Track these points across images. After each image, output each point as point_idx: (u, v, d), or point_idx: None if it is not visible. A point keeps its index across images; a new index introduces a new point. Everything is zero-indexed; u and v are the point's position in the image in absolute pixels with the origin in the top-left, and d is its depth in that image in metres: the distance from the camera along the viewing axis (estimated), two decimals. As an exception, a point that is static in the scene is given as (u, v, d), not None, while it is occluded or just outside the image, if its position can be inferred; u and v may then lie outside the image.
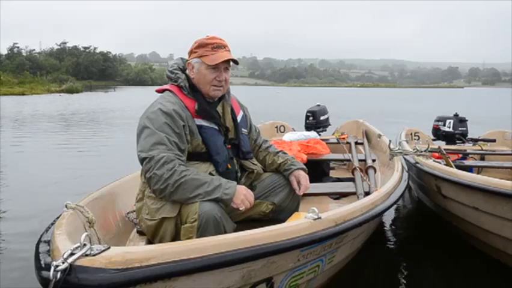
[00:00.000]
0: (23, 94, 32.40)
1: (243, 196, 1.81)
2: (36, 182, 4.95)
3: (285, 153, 2.33)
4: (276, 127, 5.25)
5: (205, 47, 1.98)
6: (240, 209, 1.82)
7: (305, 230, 1.42)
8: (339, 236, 1.62)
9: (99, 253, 1.10)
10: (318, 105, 5.19)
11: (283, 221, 1.83)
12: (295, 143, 3.93)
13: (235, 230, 1.74)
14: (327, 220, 1.53)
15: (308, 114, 5.05)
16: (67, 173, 5.41)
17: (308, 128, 4.97)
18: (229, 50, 2.02)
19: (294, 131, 4.93)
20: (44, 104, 21.87)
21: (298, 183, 2.17)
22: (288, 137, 4.28)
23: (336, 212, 1.64)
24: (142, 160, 1.81)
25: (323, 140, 4.24)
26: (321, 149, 3.87)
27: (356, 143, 4.23)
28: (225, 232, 1.71)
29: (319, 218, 1.49)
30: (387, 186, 2.29)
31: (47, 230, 1.54)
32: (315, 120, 4.99)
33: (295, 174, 2.18)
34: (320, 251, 1.63)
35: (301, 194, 2.19)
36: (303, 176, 2.19)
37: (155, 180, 1.76)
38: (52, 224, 1.59)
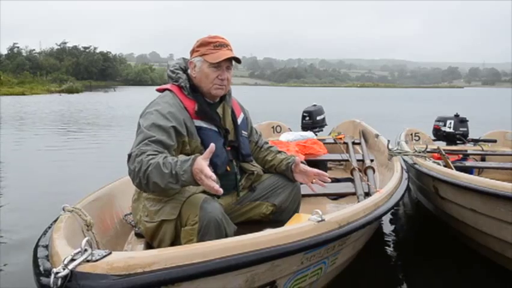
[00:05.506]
0: (23, 94, 32.39)
1: (200, 178, 1.61)
2: (35, 181, 4.93)
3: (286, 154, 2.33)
4: (273, 127, 5.25)
5: (208, 45, 1.97)
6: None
7: (309, 233, 1.40)
8: (342, 238, 1.60)
9: (100, 258, 1.07)
10: (315, 105, 5.19)
11: (283, 222, 1.82)
12: (293, 143, 3.93)
13: (236, 232, 1.73)
14: (331, 222, 1.51)
15: (305, 114, 5.06)
16: (67, 172, 5.40)
17: (305, 128, 4.98)
18: (231, 49, 2.00)
19: (291, 131, 4.93)
20: (44, 103, 21.84)
21: (306, 173, 2.17)
22: (285, 137, 4.28)
23: (340, 214, 1.62)
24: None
25: (319, 140, 4.24)
26: (319, 149, 3.87)
27: (353, 143, 4.22)
28: (226, 235, 1.69)
29: (322, 220, 1.47)
30: (388, 186, 2.28)
31: (44, 234, 1.51)
32: (312, 121, 5.00)
33: (301, 166, 2.19)
34: (323, 253, 1.62)
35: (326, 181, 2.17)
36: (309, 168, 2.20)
37: (131, 176, 1.74)
38: (49, 227, 1.57)
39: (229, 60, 1.99)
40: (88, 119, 13.77)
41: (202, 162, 1.62)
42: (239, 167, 2.14)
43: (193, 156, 1.68)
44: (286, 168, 2.22)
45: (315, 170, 2.20)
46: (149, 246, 1.88)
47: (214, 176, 1.60)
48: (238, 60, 2.03)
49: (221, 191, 1.60)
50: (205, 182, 1.59)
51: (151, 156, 1.70)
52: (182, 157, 1.70)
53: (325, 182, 2.18)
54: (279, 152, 2.32)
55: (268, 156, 2.29)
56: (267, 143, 2.39)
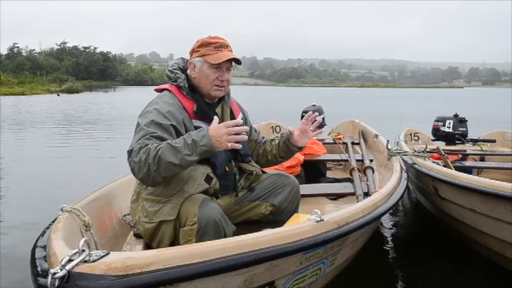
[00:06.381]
0: (23, 94, 32.40)
1: (221, 137, 1.68)
2: (35, 182, 4.93)
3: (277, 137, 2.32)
4: (272, 127, 5.25)
5: (208, 46, 1.96)
6: (228, 147, 1.70)
7: (308, 233, 1.40)
8: (341, 238, 1.60)
9: (98, 259, 1.07)
10: (314, 105, 5.18)
11: (282, 222, 1.83)
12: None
13: (235, 233, 1.73)
14: (330, 222, 1.51)
15: (304, 114, 5.04)
16: (66, 173, 5.39)
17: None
18: (231, 50, 2.00)
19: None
20: (48, 103, 21.84)
21: (303, 132, 2.14)
22: (284, 136, 4.27)
23: (339, 214, 1.62)
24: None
25: (318, 140, 4.23)
26: (318, 149, 3.86)
27: (353, 143, 4.21)
28: (225, 235, 1.69)
29: (321, 220, 1.47)
30: (387, 186, 2.27)
31: (42, 234, 1.51)
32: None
33: (294, 132, 2.14)
34: (322, 253, 1.61)
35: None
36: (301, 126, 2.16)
37: (136, 169, 1.71)
38: (48, 228, 1.56)
39: (230, 61, 1.98)
40: (89, 118, 13.77)
41: (217, 123, 1.73)
42: (238, 167, 2.14)
43: (205, 128, 1.74)
44: (286, 148, 2.18)
45: (304, 120, 2.14)
46: (148, 246, 1.88)
47: (240, 121, 1.77)
48: (238, 62, 2.03)
49: (246, 137, 1.74)
50: (228, 131, 1.68)
51: (156, 144, 1.72)
52: (190, 132, 1.75)
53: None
54: (272, 139, 2.29)
55: (267, 147, 2.28)
56: (264, 137, 2.39)
